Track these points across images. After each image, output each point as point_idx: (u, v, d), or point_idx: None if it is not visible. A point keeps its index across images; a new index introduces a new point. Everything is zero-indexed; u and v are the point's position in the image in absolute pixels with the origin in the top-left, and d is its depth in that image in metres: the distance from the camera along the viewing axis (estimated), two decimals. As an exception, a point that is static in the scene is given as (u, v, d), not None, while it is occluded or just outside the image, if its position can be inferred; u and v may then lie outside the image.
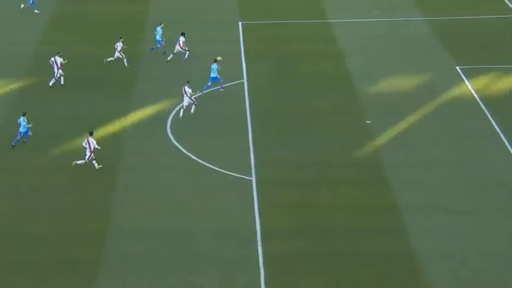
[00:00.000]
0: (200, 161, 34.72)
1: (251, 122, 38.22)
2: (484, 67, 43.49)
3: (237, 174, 33.69)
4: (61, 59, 41.25)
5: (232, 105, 39.72)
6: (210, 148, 35.74)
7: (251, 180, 33.32)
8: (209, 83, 40.36)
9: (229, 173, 33.78)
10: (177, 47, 43.99)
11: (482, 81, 42.13)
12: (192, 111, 38.17)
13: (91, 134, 34.00)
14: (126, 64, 43.19)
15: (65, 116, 38.41)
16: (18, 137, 35.41)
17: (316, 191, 32.48)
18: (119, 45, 43.21)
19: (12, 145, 35.30)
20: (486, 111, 38.91)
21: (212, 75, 40.14)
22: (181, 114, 38.06)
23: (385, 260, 28.31)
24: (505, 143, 35.95)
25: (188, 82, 38.52)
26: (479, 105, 39.60)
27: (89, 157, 33.48)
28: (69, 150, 35.56)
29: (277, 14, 51.80)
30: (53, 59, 41.30)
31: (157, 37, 45.04)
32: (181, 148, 35.83)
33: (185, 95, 38.01)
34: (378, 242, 29.22)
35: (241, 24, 50.36)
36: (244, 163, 34.48)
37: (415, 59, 44.89)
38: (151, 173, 33.95)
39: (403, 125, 37.64)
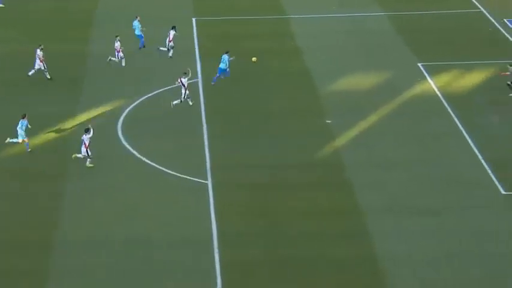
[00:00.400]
0: (153, 164, 34.50)
1: (206, 122, 38.12)
2: (446, 63, 44.03)
3: (192, 177, 33.54)
4: (41, 54, 40.96)
5: (186, 105, 39.56)
6: (163, 150, 35.55)
7: (207, 183, 33.20)
8: (218, 74, 40.95)
9: (183, 176, 33.62)
10: (168, 42, 44.04)
11: (445, 78, 42.65)
12: (173, 103, 38.40)
13: (86, 130, 34.05)
14: (123, 64, 42.87)
15: (8, 117, 37.79)
16: (23, 140, 34.97)
17: (275, 194, 32.51)
18: (118, 45, 42.80)
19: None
20: (449, 109, 39.40)
21: (221, 66, 40.71)
22: (190, 103, 38.60)
23: (348, 265, 28.44)
24: (468, 141, 36.44)
25: (185, 73, 38.68)
26: (442, 103, 40.08)
27: (86, 152, 33.78)
28: (12, 154, 35.05)
29: (233, 10, 51.79)
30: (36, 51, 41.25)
31: (137, 32, 45.03)
32: (133, 151, 35.56)
33: (182, 87, 38.33)
34: (340, 246, 29.34)
35: (195, 20, 50.26)
36: (199, 166, 34.34)
37: (376, 56, 45.25)
38: (100, 177, 33.61)
39: (364, 124, 37.91)
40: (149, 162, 34.64)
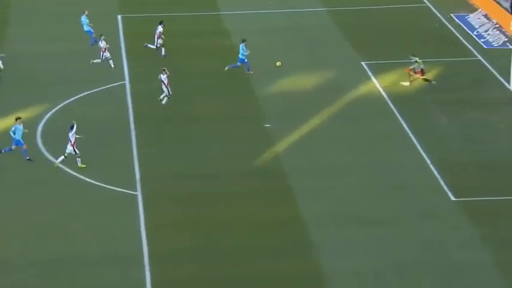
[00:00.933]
0: (76, 175, 33.97)
1: (135, 128, 37.75)
2: (391, 62, 44.43)
3: (120, 188, 33.11)
4: None
5: (112, 110, 39.18)
6: (87, 160, 34.98)
7: (136, 194, 32.82)
8: (238, 63, 41.92)
9: (110, 187, 33.17)
10: (156, 39, 43.86)
11: (390, 77, 43.04)
12: (163, 102, 38.85)
13: (72, 127, 33.91)
14: (112, 65, 42.58)
15: None
16: (20, 147, 34.34)
17: (210, 205, 32.25)
18: (102, 44, 42.25)
19: (28, 158, 34.48)
20: (394, 110, 39.75)
21: (241, 56, 41.71)
22: (163, 102, 39.12)
23: (291, 281, 28.29)
24: (414, 143, 36.79)
25: (163, 70, 38.84)
26: (387, 104, 40.42)
27: (74, 150, 33.82)
28: None
29: (162, 6, 51.51)
30: None
31: (85, 28, 44.87)
32: (54, 160, 34.92)
33: (162, 84, 38.72)
34: (282, 261, 29.20)
35: (121, 17, 49.79)
36: (128, 176, 33.92)
37: (317, 55, 45.48)
38: (18, 190, 32.94)
39: (305, 127, 38.00)
40: (73, 173, 34.09)
